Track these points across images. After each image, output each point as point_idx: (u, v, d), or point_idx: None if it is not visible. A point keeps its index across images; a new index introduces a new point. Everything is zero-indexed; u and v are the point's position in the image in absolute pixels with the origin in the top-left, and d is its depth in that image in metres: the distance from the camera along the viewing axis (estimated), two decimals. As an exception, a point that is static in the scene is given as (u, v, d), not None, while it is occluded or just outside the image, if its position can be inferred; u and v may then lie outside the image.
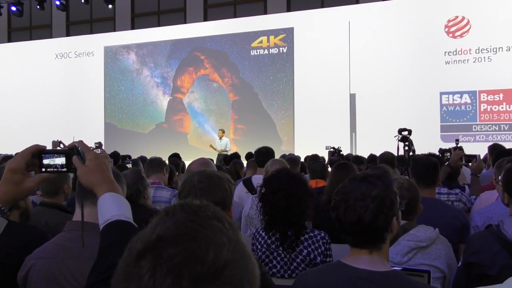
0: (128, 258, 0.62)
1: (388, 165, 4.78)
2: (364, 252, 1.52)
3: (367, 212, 1.47)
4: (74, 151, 1.28)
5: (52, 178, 1.31)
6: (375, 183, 1.52)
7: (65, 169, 1.29)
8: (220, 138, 12.26)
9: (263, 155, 4.50)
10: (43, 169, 1.27)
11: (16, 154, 1.33)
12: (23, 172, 1.23)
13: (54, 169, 1.28)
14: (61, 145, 7.49)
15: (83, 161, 1.27)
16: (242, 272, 0.62)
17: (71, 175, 2.89)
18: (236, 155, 7.17)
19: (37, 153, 1.27)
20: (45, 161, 1.27)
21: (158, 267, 0.58)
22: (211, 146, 12.28)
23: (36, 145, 1.28)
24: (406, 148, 5.60)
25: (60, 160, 1.28)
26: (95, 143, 7.76)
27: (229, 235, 0.64)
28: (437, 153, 5.84)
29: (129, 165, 5.74)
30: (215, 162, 5.51)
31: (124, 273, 0.61)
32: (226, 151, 11.79)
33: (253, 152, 5.20)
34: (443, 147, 6.49)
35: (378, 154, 6.58)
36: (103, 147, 8.01)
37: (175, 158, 6.56)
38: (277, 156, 5.20)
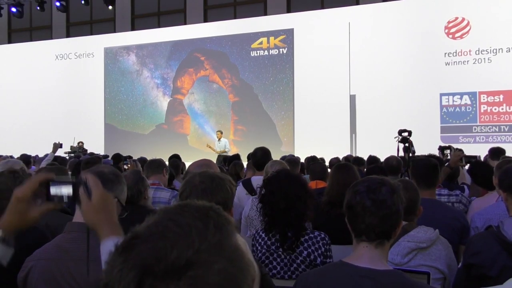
0: (112, 253, 0.64)
1: (392, 171, 4.79)
2: (369, 247, 1.54)
3: (390, 198, 1.54)
4: (82, 182, 1.27)
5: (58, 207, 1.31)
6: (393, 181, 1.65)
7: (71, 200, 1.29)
8: (219, 139, 12.28)
9: (259, 159, 4.44)
10: (50, 198, 1.27)
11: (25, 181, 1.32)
12: (29, 201, 1.25)
13: (61, 199, 1.28)
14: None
15: (89, 195, 1.26)
16: (216, 276, 0.60)
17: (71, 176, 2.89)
18: (236, 157, 7.16)
19: (44, 182, 1.27)
20: (52, 190, 1.27)
21: (126, 262, 0.61)
22: (208, 146, 12.28)
23: (44, 174, 1.28)
24: (407, 149, 5.60)
25: (67, 190, 1.28)
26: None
27: (206, 236, 0.63)
28: (437, 151, 5.85)
29: (127, 166, 5.75)
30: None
31: (107, 265, 0.64)
32: (226, 151, 11.81)
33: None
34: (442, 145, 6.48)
35: (378, 155, 6.60)
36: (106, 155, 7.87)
37: (175, 159, 6.55)
38: (277, 157, 5.19)
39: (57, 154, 7.04)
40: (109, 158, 7.77)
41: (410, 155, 5.48)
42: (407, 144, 5.60)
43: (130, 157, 7.55)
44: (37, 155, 9.15)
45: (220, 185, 1.79)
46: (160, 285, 0.59)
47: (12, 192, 2.10)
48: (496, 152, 5.29)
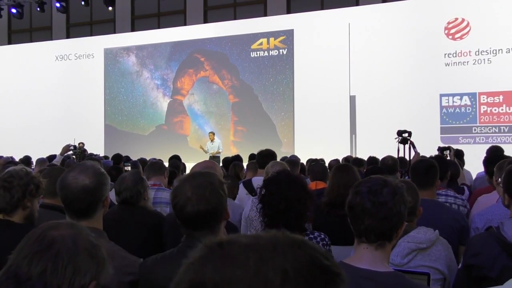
0: None
1: (389, 171, 4.79)
2: (370, 249, 1.54)
3: (391, 200, 1.53)
4: None
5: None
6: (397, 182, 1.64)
7: None
8: (212, 140, 12.28)
9: (264, 157, 4.50)
10: None
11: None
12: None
13: None
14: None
15: None
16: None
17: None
18: (237, 157, 7.16)
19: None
20: None
21: None
22: (201, 147, 12.27)
23: None
24: (411, 150, 5.60)
25: None
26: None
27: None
28: (437, 151, 5.85)
29: (128, 168, 5.75)
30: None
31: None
32: (219, 152, 11.86)
33: (255, 154, 5.20)
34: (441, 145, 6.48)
35: (378, 156, 6.59)
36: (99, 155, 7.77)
37: (175, 160, 6.56)
38: (278, 158, 5.20)
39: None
40: (110, 159, 7.76)
41: (414, 155, 5.48)
42: (407, 145, 5.60)
43: (128, 158, 7.55)
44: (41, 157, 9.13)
45: (213, 191, 1.75)
46: None
47: (22, 179, 2.16)
48: (495, 151, 5.26)
